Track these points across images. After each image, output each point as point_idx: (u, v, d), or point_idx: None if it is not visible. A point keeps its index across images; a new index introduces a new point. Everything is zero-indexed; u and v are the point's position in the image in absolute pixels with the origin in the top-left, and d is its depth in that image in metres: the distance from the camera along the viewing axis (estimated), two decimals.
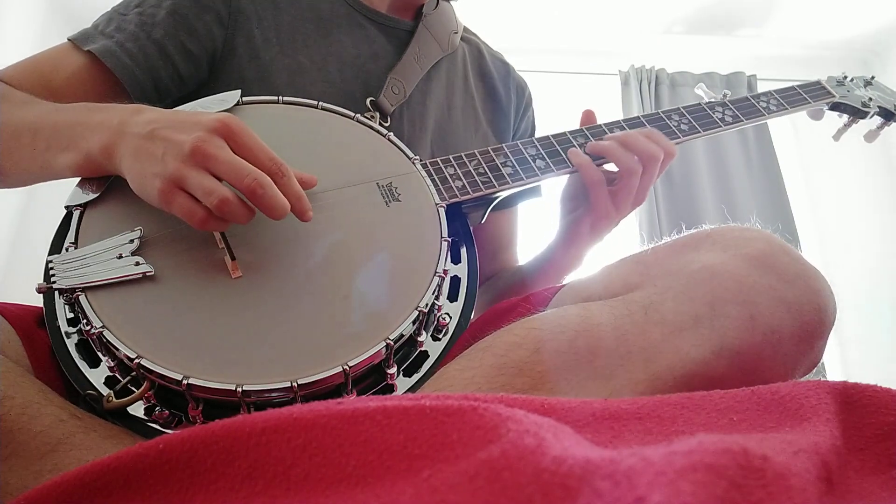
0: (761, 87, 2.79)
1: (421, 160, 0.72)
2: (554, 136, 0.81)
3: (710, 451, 0.27)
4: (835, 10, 2.73)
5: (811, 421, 0.39)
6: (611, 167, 0.79)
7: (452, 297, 0.67)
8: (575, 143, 0.80)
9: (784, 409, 0.41)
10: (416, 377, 0.61)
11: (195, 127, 0.55)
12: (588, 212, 0.80)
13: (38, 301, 0.61)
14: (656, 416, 0.41)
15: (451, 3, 0.99)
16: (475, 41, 1.05)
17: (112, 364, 0.56)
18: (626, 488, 0.25)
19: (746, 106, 0.90)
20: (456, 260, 0.70)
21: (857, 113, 0.99)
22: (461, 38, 1.00)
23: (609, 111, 2.77)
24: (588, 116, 0.84)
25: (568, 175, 0.80)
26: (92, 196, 0.62)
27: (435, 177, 0.72)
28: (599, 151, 0.78)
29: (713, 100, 0.91)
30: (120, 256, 0.57)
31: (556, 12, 2.81)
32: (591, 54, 2.95)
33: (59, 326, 0.58)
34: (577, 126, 0.83)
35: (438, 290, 0.62)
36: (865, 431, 0.41)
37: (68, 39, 0.76)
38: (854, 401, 0.43)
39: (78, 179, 0.63)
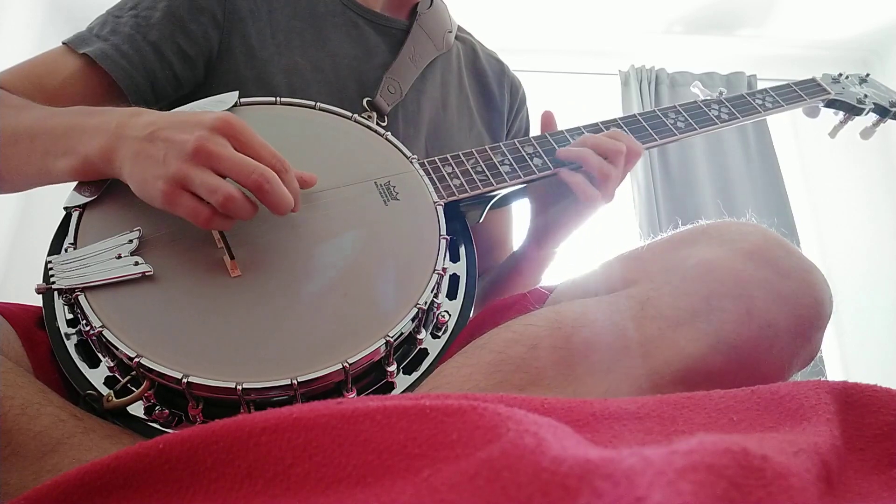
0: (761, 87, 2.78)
1: (419, 159, 0.72)
2: (551, 134, 0.81)
3: (710, 451, 0.27)
4: (834, 10, 2.73)
5: (811, 421, 0.39)
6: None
7: (451, 294, 0.67)
8: (572, 141, 0.80)
9: (784, 408, 0.41)
10: (415, 375, 0.61)
11: (196, 126, 0.55)
12: (575, 203, 0.81)
13: (38, 301, 0.61)
14: (656, 416, 0.41)
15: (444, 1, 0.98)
16: (469, 40, 1.05)
17: (112, 364, 0.56)
18: (625, 488, 0.25)
19: (742, 103, 0.90)
20: (455, 258, 0.70)
21: (852, 110, 1.00)
22: (455, 38, 1.00)
23: (609, 111, 2.78)
24: (547, 119, 0.85)
25: None
26: (90, 198, 0.61)
27: (433, 175, 0.72)
28: (573, 159, 0.77)
29: (709, 97, 0.91)
30: (119, 256, 0.57)
31: (557, 12, 2.81)
32: (591, 54, 2.95)
33: (58, 327, 0.58)
34: (576, 125, 0.83)
35: (437, 288, 0.62)
36: (865, 431, 0.41)
37: (63, 43, 0.75)
38: (854, 401, 0.43)
39: (76, 182, 0.63)
